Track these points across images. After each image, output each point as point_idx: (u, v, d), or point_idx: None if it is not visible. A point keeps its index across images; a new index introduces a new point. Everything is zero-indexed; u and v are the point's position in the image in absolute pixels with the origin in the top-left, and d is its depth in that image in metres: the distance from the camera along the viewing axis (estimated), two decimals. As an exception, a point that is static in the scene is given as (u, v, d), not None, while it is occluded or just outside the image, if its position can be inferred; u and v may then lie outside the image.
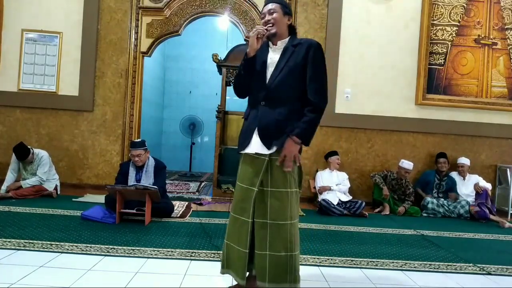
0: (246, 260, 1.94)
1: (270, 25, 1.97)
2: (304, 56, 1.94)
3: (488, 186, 4.88)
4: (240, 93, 2.13)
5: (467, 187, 4.97)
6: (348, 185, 4.84)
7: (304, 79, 1.94)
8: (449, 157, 5.11)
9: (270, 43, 2.04)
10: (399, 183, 4.94)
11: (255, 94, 2.01)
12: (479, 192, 4.79)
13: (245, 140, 2.00)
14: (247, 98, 2.13)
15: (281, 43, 2.01)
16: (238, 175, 2.04)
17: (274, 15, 1.97)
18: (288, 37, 2.03)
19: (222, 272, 2.08)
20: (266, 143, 1.92)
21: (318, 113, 1.93)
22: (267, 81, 1.97)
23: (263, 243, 1.91)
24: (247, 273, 2.01)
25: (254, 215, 1.94)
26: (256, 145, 1.95)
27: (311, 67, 1.93)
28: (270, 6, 1.99)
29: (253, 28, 5.21)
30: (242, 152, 2.02)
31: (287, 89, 1.94)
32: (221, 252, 2.12)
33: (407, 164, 4.89)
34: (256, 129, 1.96)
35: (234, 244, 1.99)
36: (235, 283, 2.08)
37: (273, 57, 2.00)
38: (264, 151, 1.93)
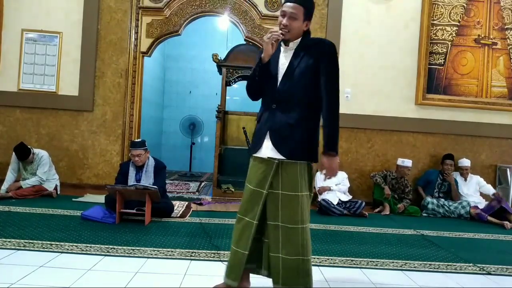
0: (243, 262, 1.90)
1: (286, 31, 1.85)
2: (316, 58, 1.86)
3: (492, 190, 4.91)
4: (253, 97, 2.07)
5: (469, 187, 4.97)
6: (348, 184, 4.84)
7: (315, 82, 1.88)
8: (452, 157, 5.07)
9: (282, 43, 1.96)
10: (398, 182, 4.94)
11: (267, 96, 1.98)
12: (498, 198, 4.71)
13: (256, 143, 1.96)
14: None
15: (293, 44, 1.93)
16: (247, 176, 2.01)
17: (293, 22, 1.84)
18: (301, 37, 1.93)
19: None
20: (278, 147, 1.89)
21: (336, 119, 1.88)
22: (278, 83, 1.92)
23: (277, 245, 1.88)
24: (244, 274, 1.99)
25: (266, 217, 1.91)
26: (267, 150, 1.92)
27: (323, 72, 1.86)
28: (292, 9, 1.84)
29: (253, 28, 5.29)
30: (254, 155, 1.99)
31: (298, 92, 1.89)
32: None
33: (407, 162, 4.92)
34: (268, 133, 1.92)
35: (233, 244, 1.97)
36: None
37: (285, 58, 1.94)
38: (276, 155, 1.89)
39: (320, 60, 1.87)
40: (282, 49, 1.97)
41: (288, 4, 1.86)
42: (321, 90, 1.87)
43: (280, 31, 1.85)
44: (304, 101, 1.90)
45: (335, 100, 1.88)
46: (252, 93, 2.06)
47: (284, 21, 1.86)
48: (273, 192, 1.90)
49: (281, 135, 1.90)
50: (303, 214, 1.89)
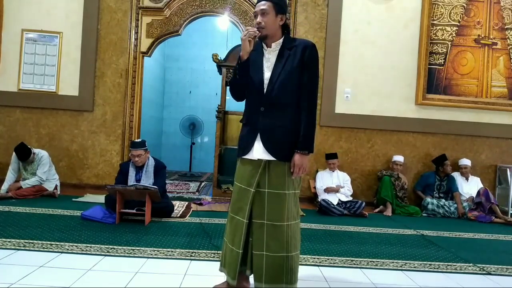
0: (238, 260, 1.93)
1: (261, 27, 1.91)
2: (300, 59, 1.92)
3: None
4: (237, 97, 2.09)
5: (471, 187, 4.98)
6: (351, 190, 4.80)
7: (300, 83, 1.93)
8: (449, 157, 5.10)
9: (264, 45, 2.00)
10: (397, 179, 4.93)
11: (253, 99, 1.99)
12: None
13: (246, 146, 1.98)
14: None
15: (276, 45, 1.97)
16: (236, 175, 2.04)
17: (266, 17, 1.91)
18: (282, 38, 1.98)
19: (220, 270, 2.09)
20: (270, 150, 1.92)
21: (314, 118, 1.96)
22: (264, 86, 1.94)
23: (260, 244, 1.91)
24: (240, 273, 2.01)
25: (252, 215, 1.94)
26: (258, 152, 1.94)
27: (307, 72, 1.93)
28: (262, 6, 1.91)
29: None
30: (242, 157, 2.01)
31: (286, 94, 1.93)
32: (221, 250, 2.13)
33: (396, 157, 5.03)
34: (258, 135, 1.94)
35: (229, 243, 2.00)
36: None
37: (269, 60, 1.97)
38: (268, 157, 1.92)
39: (304, 62, 1.93)
40: (265, 51, 1.99)
41: (257, 4, 1.96)
42: (302, 91, 1.94)
43: (256, 28, 1.92)
44: (291, 103, 1.94)
45: (314, 101, 1.98)
46: (236, 94, 2.07)
47: (258, 19, 1.93)
48: (260, 191, 1.93)
49: (273, 137, 1.93)
50: (289, 211, 1.92)
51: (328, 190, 4.65)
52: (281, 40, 1.98)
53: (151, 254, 2.67)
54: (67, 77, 5.13)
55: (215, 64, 5.82)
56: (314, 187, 4.90)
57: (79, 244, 2.79)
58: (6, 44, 5.10)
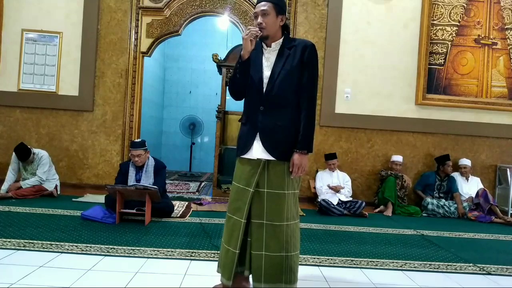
0: (235, 261, 1.93)
1: (262, 27, 1.92)
2: (300, 59, 1.92)
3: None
4: (236, 96, 2.09)
5: (470, 187, 4.98)
6: (351, 191, 4.80)
7: (300, 83, 1.93)
8: (450, 157, 5.10)
9: (264, 45, 2.01)
10: (398, 179, 4.94)
11: (252, 98, 1.99)
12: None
13: (245, 145, 1.98)
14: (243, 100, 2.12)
15: (275, 45, 1.98)
16: (235, 175, 2.04)
17: (266, 18, 1.91)
18: (282, 38, 1.99)
19: (217, 271, 2.08)
20: (269, 150, 1.91)
21: (313, 118, 1.94)
22: (264, 85, 1.94)
23: (259, 243, 1.90)
24: (237, 274, 2.00)
25: (251, 215, 1.94)
26: (257, 152, 1.94)
27: (306, 71, 1.93)
28: (263, 6, 1.91)
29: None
30: (241, 157, 2.01)
31: (285, 93, 1.93)
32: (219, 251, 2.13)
33: (395, 157, 5.03)
34: (258, 135, 1.94)
35: (225, 243, 2.00)
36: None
37: (269, 60, 1.97)
38: (267, 157, 1.92)
39: (304, 62, 1.93)
40: (264, 51, 2.00)
41: (258, 4, 1.96)
42: (301, 91, 1.93)
43: (257, 28, 1.92)
44: (291, 102, 1.94)
45: (314, 101, 1.97)
46: (235, 93, 2.08)
47: (259, 20, 1.93)
48: (259, 191, 1.93)
49: (272, 137, 1.92)
50: (289, 211, 1.92)
51: (332, 188, 4.66)
52: (281, 40, 1.98)
53: (151, 254, 2.67)
54: (67, 77, 5.13)
55: (215, 64, 5.82)
56: (314, 187, 4.90)
57: (79, 244, 2.79)
58: (6, 44, 5.10)
